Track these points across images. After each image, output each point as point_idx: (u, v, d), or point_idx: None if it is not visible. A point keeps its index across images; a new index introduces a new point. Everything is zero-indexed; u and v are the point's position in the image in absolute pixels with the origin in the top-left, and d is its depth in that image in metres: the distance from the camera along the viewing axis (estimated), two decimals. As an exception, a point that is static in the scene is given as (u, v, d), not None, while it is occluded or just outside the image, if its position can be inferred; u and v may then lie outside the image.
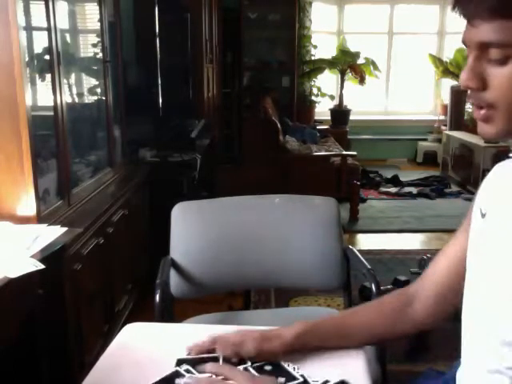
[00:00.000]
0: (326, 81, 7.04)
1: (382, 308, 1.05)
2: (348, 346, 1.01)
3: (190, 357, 0.98)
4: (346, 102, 6.85)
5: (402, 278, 3.03)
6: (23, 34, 1.72)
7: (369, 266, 1.65)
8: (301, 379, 0.91)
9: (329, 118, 6.89)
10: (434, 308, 1.00)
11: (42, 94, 2.08)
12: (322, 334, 1.00)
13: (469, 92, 0.75)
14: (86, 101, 2.82)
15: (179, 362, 0.97)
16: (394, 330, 1.03)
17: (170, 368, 0.95)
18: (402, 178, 5.90)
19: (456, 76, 6.73)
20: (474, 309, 0.85)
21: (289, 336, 0.96)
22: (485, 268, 0.82)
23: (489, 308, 0.80)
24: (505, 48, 0.70)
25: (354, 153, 4.96)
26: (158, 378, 0.93)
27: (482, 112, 0.75)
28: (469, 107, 6.53)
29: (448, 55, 7.02)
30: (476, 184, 5.24)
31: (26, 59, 1.83)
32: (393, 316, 1.02)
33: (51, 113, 2.03)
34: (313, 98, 6.90)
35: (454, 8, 0.73)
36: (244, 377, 0.89)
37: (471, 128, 6.20)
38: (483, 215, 0.85)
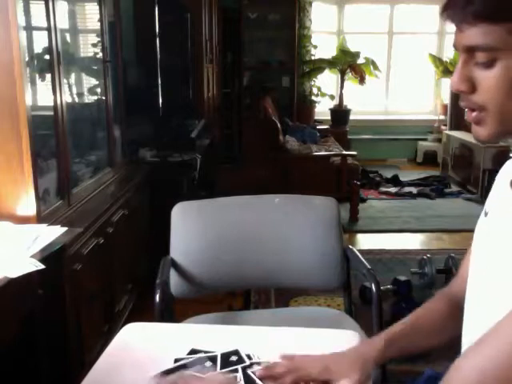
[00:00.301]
0: (326, 81, 7.04)
1: (442, 310, 1.05)
2: (427, 346, 1.04)
3: (187, 356, 0.98)
4: (346, 102, 6.85)
5: (402, 277, 3.03)
6: (23, 34, 1.72)
7: (369, 266, 1.65)
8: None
9: (329, 117, 6.89)
10: None
11: (42, 94, 2.08)
12: (398, 345, 1.00)
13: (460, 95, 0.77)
14: (86, 101, 2.82)
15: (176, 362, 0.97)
16: (453, 331, 1.01)
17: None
18: (402, 178, 5.90)
19: (456, 76, 6.72)
20: (476, 306, 0.85)
21: (372, 353, 0.96)
22: (486, 266, 0.82)
23: (491, 305, 0.80)
24: (490, 51, 0.71)
25: (354, 153, 4.96)
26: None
27: (474, 114, 0.78)
28: (469, 107, 6.53)
29: (448, 55, 7.02)
30: (476, 184, 5.25)
31: (26, 59, 1.83)
32: (450, 317, 1.02)
33: (51, 113, 2.03)
34: (313, 97, 6.90)
35: (442, 14, 0.75)
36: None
37: (471, 128, 6.20)
38: (486, 214, 0.86)
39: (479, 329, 0.84)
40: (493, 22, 0.69)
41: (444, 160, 6.41)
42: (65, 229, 1.77)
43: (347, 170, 4.71)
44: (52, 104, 2.01)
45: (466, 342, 0.89)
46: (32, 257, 1.50)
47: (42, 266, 1.45)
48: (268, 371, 0.94)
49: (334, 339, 1.08)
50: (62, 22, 2.13)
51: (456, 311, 1.00)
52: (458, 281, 1.04)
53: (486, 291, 0.82)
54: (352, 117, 6.86)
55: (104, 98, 2.72)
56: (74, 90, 2.57)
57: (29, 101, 1.73)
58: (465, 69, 0.75)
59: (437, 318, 1.04)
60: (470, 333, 0.87)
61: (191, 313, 1.73)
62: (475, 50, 0.73)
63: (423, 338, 1.03)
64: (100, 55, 2.69)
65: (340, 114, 6.84)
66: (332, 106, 6.95)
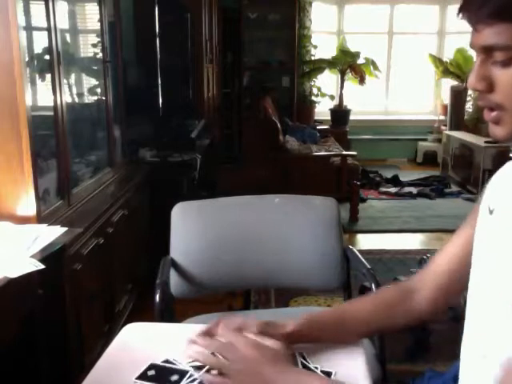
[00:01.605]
0: (326, 81, 7.04)
1: (379, 301, 1.07)
2: (347, 338, 1.03)
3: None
4: (346, 102, 6.85)
5: (402, 278, 3.03)
6: (23, 34, 1.72)
7: (369, 266, 1.65)
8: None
9: (329, 118, 6.89)
10: (436, 299, 1.03)
11: (42, 94, 2.08)
12: (321, 327, 1.02)
13: (473, 92, 0.77)
14: (86, 101, 2.82)
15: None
16: (394, 322, 1.05)
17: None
18: (402, 178, 5.90)
19: (456, 76, 6.73)
20: (479, 305, 0.85)
21: (290, 326, 0.98)
22: (491, 264, 0.82)
23: (495, 304, 0.80)
24: (508, 50, 0.72)
25: (354, 153, 4.96)
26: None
27: (493, 114, 0.77)
28: (469, 107, 6.54)
29: (448, 55, 7.02)
30: (476, 184, 5.25)
31: (26, 59, 1.82)
32: (391, 308, 1.04)
33: (51, 113, 2.03)
34: (313, 98, 6.91)
35: (458, 14, 0.76)
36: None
37: (471, 128, 6.21)
38: (491, 211, 0.86)
39: (482, 330, 0.84)
40: (509, 22, 0.70)
41: (444, 160, 6.41)
42: (65, 229, 1.77)
43: (347, 170, 4.72)
44: (52, 104, 2.01)
45: (468, 343, 0.89)
46: (32, 257, 1.50)
47: (41, 266, 1.45)
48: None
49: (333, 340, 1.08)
50: (62, 22, 2.13)
51: (401, 304, 1.03)
52: (421, 275, 1.06)
53: (492, 287, 0.81)
54: (352, 117, 6.86)
55: (104, 98, 2.72)
56: (74, 90, 2.57)
57: (29, 101, 1.73)
58: (482, 68, 0.75)
59: (373, 306, 1.05)
60: (473, 335, 0.87)
61: (191, 313, 1.73)
62: (493, 50, 0.73)
63: (348, 328, 1.03)
64: (100, 55, 2.69)
65: (340, 114, 6.84)
66: (332, 106, 6.96)
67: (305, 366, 0.95)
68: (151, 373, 0.95)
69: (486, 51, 0.74)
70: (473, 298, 0.88)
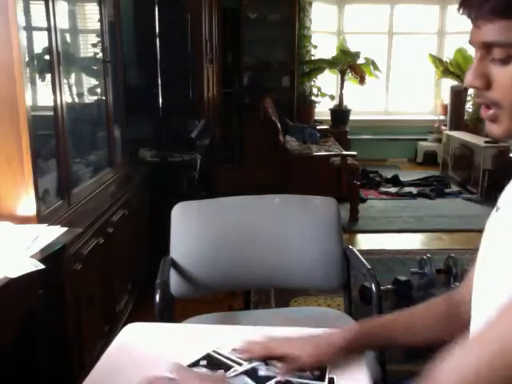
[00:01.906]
0: (326, 81, 7.04)
1: (435, 311, 1.06)
2: (413, 343, 1.04)
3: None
4: (346, 102, 6.85)
5: (402, 277, 3.03)
6: (23, 34, 1.72)
7: (369, 266, 1.65)
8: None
9: (329, 118, 6.89)
10: None
11: (42, 94, 2.08)
12: (373, 338, 1.01)
13: (473, 91, 0.77)
14: (86, 101, 2.82)
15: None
16: (447, 332, 1.03)
17: (170, 368, 0.95)
18: (402, 178, 5.90)
19: (456, 76, 6.73)
20: (484, 302, 0.85)
21: (340, 342, 0.98)
22: (496, 261, 0.82)
23: (500, 302, 0.80)
24: (507, 47, 0.72)
25: (354, 153, 4.96)
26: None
27: (489, 112, 0.77)
28: (469, 107, 6.54)
29: (448, 55, 7.02)
30: (476, 184, 5.25)
31: (26, 59, 1.82)
32: (444, 318, 1.03)
33: (51, 113, 2.03)
34: (313, 98, 6.90)
35: (459, 10, 0.76)
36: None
37: (471, 128, 6.21)
38: (497, 209, 0.86)
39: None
40: (510, 19, 0.70)
41: (444, 160, 6.41)
42: (65, 229, 1.77)
43: (347, 170, 4.71)
44: (52, 104, 2.01)
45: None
46: (32, 257, 1.50)
47: (42, 266, 1.45)
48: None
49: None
50: (62, 22, 2.13)
51: (452, 316, 1.02)
52: (462, 288, 1.04)
53: (496, 285, 0.81)
54: (352, 117, 6.86)
55: (104, 98, 2.72)
56: (74, 90, 2.57)
57: (29, 101, 1.73)
58: (481, 65, 0.75)
59: (431, 317, 1.04)
60: (479, 325, 0.87)
61: (191, 313, 1.73)
62: (492, 47, 0.73)
63: (411, 335, 1.03)
64: (100, 55, 2.69)
65: (340, 114, 6.84)
66: (332, 106, 6.96)
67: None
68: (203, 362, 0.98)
69: (486, 48, 0.74)
70: (478, 294, 0.88)
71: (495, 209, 0.87)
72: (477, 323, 0.87)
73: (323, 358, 0.97)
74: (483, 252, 0.88)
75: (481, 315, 0.86)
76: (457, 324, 1.02)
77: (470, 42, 0.77)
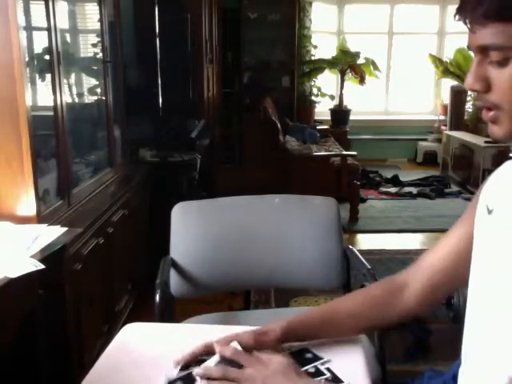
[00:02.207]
0: (326, 81, 7.04)
1: (368, 297, 1.07)
2: (337, 335, 1.05)
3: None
4: (346, 102, 6.85)
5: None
6: (23, 34, 1.72)
7: (369, 266, 1.65)
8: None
9: (329, 118, 6.89)
10: (426, 296, 1.03)
11: (42, 94, 2.08)
12: (309, 326, 1.03)
13: (473, 94, 0.77)
14: (86, 101, 2.82)
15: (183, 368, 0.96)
16: (383, 318, 1.06)
17: (170, 368, 0.95)
18: (402, 178, 5.90)
19: (456, 76, 6.73)
20: (480, 305, 0.85)
21: (278, 329, 0.99)
22: (492, 264, 0.82)
23: (496, 304, 0.80)
24: (503, 50, 0.72)
25: (354, 153, 4.96)
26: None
27: (490, 114, 0.77)
28: (469, 107, 6.53)
29: (448, 55, 7.01)
30: (476, 184, 5.24)
31: (26, 59, 1.82)
32: (380, 305, 1.05)
33: (51, 113, 2.03)
34: (313, 98, 6.90)
35: (455, 17, 0.77)
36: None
37: (471, 128, 6.21)
38: (490, 211, 0.86)
39: (483, 332, 0.84)
40: (503, 22, 0.71)
41: (444, 160, 6.41)
42: (65, 229, 1.77)
43: (347, 170, 4.71)
44: (52, 104, 2.01)
45: (469, 340, 0.89)
46: (32, 257, 1.50)
47: (42, 266, 1.45)
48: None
49: (333, 339, 1.08)
50: (62, 22, 2.13)
51: (389, 301, 1.03)
52: (412, 270, 1.06)
53: (492, 288, 0.81)
54: (352, 117, 6.86)
55: (104, 98, 2.72)
56: (74, 90, 2.57)
57: (29, 101, 1.73)
58: (479, 68, 0.76)
59: (361, 303, 1.05)
60: (473, 335, 0.87)
61: (191, 313, 1.73)
62: (488, 50, 0.74)
63: (337, 324, 1.04)
64: (100, 55, 2.69)
65: (340, 114, 6.84)
66: (332, 106, 6.96)
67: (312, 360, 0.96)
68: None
69: (482, 51, 0.75)
70: (474, 297, 0.88)
71: (485, 210, 0.87)
72: (473, 324, 0.87)
73: (267, 342, 0.97)
74: (478, 256, 0.87)
75: (478, 317, 0.86)
76: (392, 309, 1.04)
77: (468, 47, 0.78)
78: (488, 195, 0.88)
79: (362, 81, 6.61)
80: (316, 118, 6.90)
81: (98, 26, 2.63)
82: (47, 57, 2.00)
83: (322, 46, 6.89)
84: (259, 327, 1.01)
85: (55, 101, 2.02)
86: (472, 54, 0.78)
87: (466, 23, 0.75)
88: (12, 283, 1.36)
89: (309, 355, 1.00)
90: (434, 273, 1.02)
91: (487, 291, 0.83)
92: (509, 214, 0.81)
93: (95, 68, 2.78)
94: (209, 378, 0.90)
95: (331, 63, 6.80)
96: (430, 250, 1.05)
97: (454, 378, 0.97)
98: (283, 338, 0.99)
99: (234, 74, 6.49)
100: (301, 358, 0.99)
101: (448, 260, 1.00)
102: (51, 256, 1.56)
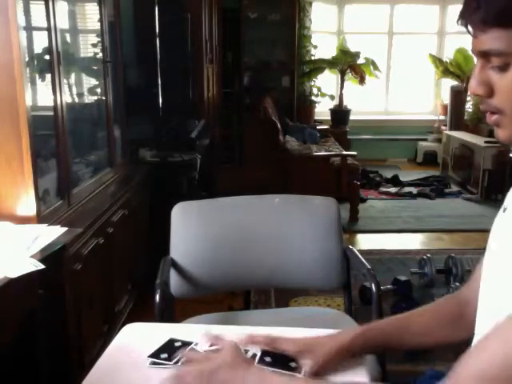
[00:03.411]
0: (326, 81, 7.04)
1: (435, 313, 1.06)
2: (407, 347, 1.07)
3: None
4: (346, 102, 6.85)
5: (402, 277, 3.03)
6: (23, 34, 1.72)
7: (369, 266, 1.65)
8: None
9: (329, 118, 6.89)
10: None
11: (42, 94, 2.08)
12: (387, 334, 1.03)
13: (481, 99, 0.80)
14: (86, 101, 2.82)
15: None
16: (453, 334, 1.04)
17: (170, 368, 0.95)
18: (402, 178, 5.90)
19: (456, 76, 6.73)
20: (491, 302, 0.85)
21: (346, 340, 0.99)
22: (503, 260, 0.82)
23: (507, 301, 0.80)
24: (504, 55, 0.73)
25: (354, 153, 4.96)
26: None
27: (493, 117, 0.79)
28: (469, 107, 6.53)
29: (448, 55, 7.02)
30: (476, 184, 5.25)
31: (26, 59, 1.82)
32: (448, 320, 1.04)
33: (51, 113, 2.03)
34: (313, 98, 6.90)
35: (457, 21, 0.78)
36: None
37: (471, 128, 6.21)
38: (505, 209, 0.87)
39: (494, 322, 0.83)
40: (503, 28, 0.71)
41: (444, 160, 6.41)
42: (65, 229, 1.77)
43: (347, 170, 4.71)
44: (52, 104, 2.01)
45: (479, 333, 0.89)
46: (32, 257, 1.50)
47: (42, 266, 1.45)
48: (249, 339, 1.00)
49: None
50: (62, 22, 2.13)
51: (456, 317, 1.02)
52: (469, 285, 1.04)
53: (503, 284, 0.81)
54: (352, 117, 6.86)
55: (104, 98, 2.72)
56: (74, 90, 2.57)
57: (29, 101, 1.73)
58: (482, 73, 0.77)
59: (433, 319, 1.05)
60: (485, 331, 0.87)
61: (191, 313, 1.73)
62: (489, 55, 0.75)
63: (409, 337, 1.03)
64: (100, 55, 2.69)
65: (340, 114, 6.84)
66: (332, 106, 6.96)
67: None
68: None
69: (484, 56, 0.76)
70: (484, 294, 0.88)
71: (502, 209, 0.88)
72: (484, 323, 0.87)
73: (326, 360, 0.97)
74: (492, 253, 0.88)
75: (488, 315, 0.86)
76: (462, 325, 1.02)
77: (472, 52, 0.79)
78: (508, 196, 0.89)
79: (361, 81, 6.61)
80: (316, 118, 6.90)
81: (98, 26, 2.63)
82: (47, 57, 2.00)
83: (322, 46, 6.89)
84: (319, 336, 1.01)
85: (55, 101, 2.02)
86: (475, 58, 0.79)
87: (467, 28, 0.76)
88: (12, 283, 1.36)
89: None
90: None
91: (499, 287, 0.83)
92: None
93: (95, 68, 2.78)
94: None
95: (331, 63, 6.80)
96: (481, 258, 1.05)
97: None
98: (349, 349, 0.98)
99: (234, 74, 6.49)
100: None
101: None
102: (51, 256, 1.56)
